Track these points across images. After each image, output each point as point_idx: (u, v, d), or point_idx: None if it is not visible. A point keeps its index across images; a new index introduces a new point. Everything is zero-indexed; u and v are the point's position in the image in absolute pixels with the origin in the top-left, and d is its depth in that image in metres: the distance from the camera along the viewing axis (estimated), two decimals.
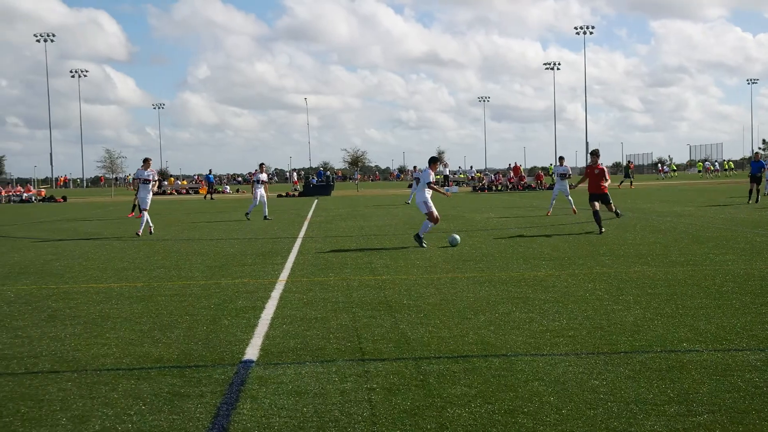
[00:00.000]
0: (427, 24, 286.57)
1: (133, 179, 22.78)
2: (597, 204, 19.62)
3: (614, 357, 6.98)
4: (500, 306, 9.49)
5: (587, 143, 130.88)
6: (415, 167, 55.47)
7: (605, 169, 20.33)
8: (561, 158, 28.96)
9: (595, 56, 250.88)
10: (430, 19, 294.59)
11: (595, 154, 20.63)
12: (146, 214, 21.96)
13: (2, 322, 9.18)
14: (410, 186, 45.04)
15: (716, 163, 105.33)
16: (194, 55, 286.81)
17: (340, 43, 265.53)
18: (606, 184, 19.91)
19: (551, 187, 63.48)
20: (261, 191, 28.88)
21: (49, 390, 6.32)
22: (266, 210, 28.69)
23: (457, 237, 17.17)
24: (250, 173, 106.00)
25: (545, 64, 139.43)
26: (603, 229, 18.92)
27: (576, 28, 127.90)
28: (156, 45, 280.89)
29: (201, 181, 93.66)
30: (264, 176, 29.42)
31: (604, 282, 11.15)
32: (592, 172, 20.25)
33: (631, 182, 62.93)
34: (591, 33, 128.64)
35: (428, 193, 17.68)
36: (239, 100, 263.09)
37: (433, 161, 17.87)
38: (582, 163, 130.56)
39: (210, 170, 69.53)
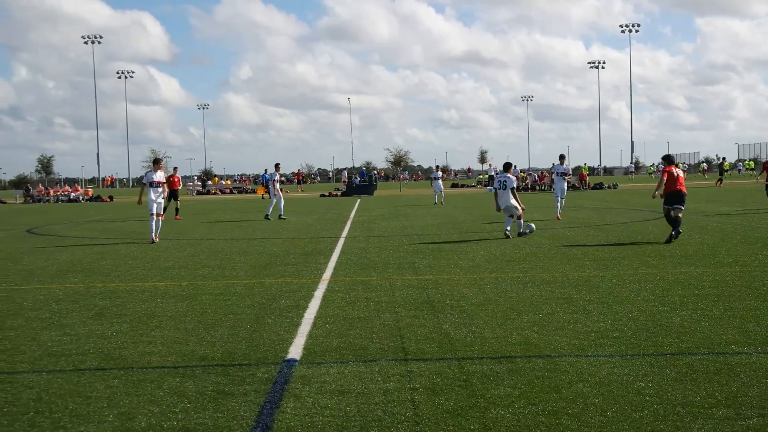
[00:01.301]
0: (468, 23, 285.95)
1: (144, 183, 20.59)
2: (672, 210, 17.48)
3: (660, 359, 6.89)
4: (544, 306, 9.42)
5: (632, 142, 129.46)
6: (437, 166, 55.08)
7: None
8: (562, 156, 26.45)
9: (639, 54, 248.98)
10: (471, 18, 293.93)
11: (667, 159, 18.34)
12: (160, 220, 20.30)
13: (51, 320, 9.34)
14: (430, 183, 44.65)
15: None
16: (236, 56, 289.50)
17: (381, 43, 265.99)
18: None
19: (595, 187, 63.00)
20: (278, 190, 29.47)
21: (97, 387, 6.41)
22: (280, 209, 29.25)
23: (533, 225, 19.50)
24: (293, 173, 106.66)
25: (589, 62, 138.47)
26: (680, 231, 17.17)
27: (621, 26, 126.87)
28: (198, 46, 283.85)
29: (245, 181, 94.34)
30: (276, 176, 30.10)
31: (650, 283, 11.01)
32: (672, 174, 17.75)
33: (721, 180, 60.09)
34: (636, 31, 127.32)
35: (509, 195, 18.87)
36: (281, 101, 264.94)
37: (510, 166, 20.06)
38: (627, 162, 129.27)
39: (266, 170, 68.99)
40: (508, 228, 18.72)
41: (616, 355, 7.05)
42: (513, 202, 18.83)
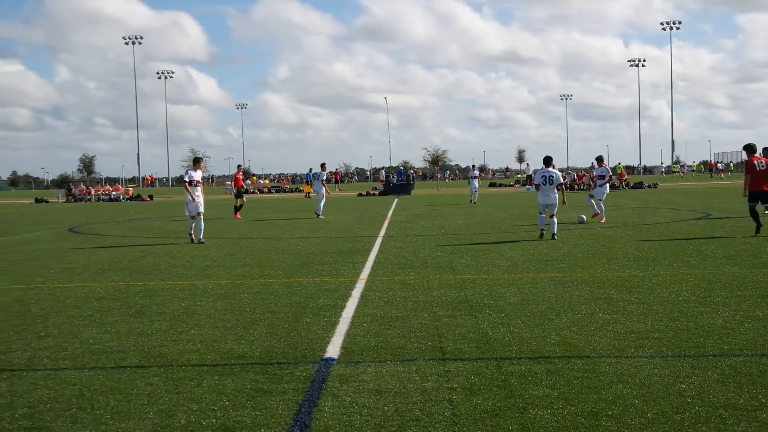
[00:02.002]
0: (505, 22, 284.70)
1: (186, 182, 19.67)
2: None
3: (702, 360, 6.80)
4: (583, 307, 9.34)
5: (672, 141, 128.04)
6: (473, 166, 54.96)
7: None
8: (599, 158, 24.76)
9: (679, 52, 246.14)
10: (508, 16, 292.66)
11: (748, 149, 17.95)
12: (201, 220, 19.63)
13: (92, 318, 9.46)
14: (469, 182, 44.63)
15: None
16: (273, 56, 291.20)
17: (418, 42, 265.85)
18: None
19: (635, 186, 62.37)
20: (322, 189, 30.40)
21: (137, 384, 6.48)
22: (318, 207, 30.03)
23: (584, 217, 21.45)
24: (330, 172, 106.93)
25: (629, 60, 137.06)
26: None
27: (662, 23, 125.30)
28: (236, 46, 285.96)
29: (283, 180, 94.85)
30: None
31: (691, 283, 10.87)
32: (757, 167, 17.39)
33: None
34: (678, 29, 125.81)
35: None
36: (318, 100, 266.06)
37: (551, 160, 18.73)
38: (668, 161, 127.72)
39: (310, 169, 68.89)
40: (543, 227, 18.17)
41: (657, 356, 6.97)
42: (556, 199, 18.00)
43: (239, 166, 35.81)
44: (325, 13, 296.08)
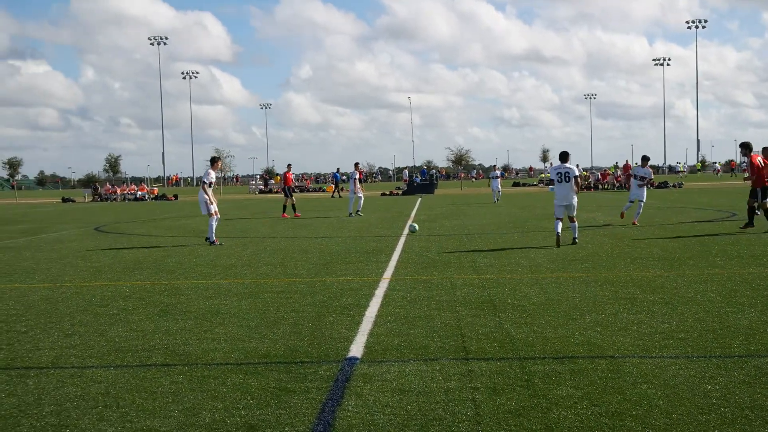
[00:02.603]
0: (528, 21, 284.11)
1: (207, 183, 19.22)
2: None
3: (727, 361, 6.75)
4: (607, 307, 9.30)
5: (698, 141, 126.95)
6: (494, 166, 55.04)
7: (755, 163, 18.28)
8: (644, 158, 23.14)
9: (705, 50, 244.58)
10: (531, 15, 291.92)
11: (745, 146, 18.59)
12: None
13: (118, 316, 9.54)
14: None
15: None
16: (296, 55, 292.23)
17: (441, 41, 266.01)
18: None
19: (660, 186, 61.92)
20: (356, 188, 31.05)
21: (162, 383, 6.53)
22: (350, 206, 30.73)
23: (416, 225, 20.19)
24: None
25: (654, 59, 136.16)
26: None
27: (687, 22, 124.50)
28: (259, 46, 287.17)
29: (307, 180, 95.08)
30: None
31: (716, 283, 10.79)
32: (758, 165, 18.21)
33: None
34: (704, 27, 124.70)
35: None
36: (341, 100, 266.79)
37: (567, 156, 16.57)
38: (693, 161, 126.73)
39: (338, 168, 68.66)
40: (560, 231, 16.15)
41: (682, 356, 6.93)
42: (574, 199, 16.29)
43: (289, 165, 34.87)
44: (347, 13, 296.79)
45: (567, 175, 16.20)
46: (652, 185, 25.71)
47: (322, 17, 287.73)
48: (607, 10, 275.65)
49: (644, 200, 22.12)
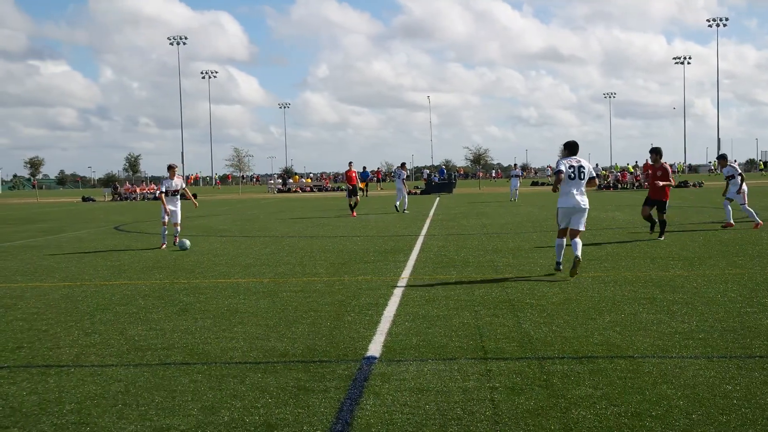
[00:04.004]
0: (545, 20, 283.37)
1: (162, 191, 18.87)
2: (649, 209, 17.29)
3: (748, 361, 6.70)
4: (626, 306, 9.25)
5: (718, 140, 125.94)
6: (515, 165, 55.00)
7: (668, 169, 17.32)
8: (723, 156, 21.69)
9: (724, 49, 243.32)
10: (548, 14, 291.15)
11: (655, 152, 17.35)
12: (176, 228, 18.96)
13: (138, 315, 9.59)
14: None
15: None
16: (313, 55, 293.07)
17: (457, 40, 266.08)
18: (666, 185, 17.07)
19: (680, 185, 61.57)
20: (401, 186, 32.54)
21: (181, 381, 6.56)
22: (403, 204, 32.22)
23: (187, 242, 17.55)
24: (372, 171, 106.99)
25: (675, 58, 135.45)
26: (662, 236, 17.00)
27: (708, 20, 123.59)
28: (276, 45, 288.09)
29: (325, 179, 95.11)
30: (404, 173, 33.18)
31: (737, 283, 10.71)
32: (654, 173, 17.30)
33: None
34: (725, 25, 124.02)
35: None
36: (359, 99, 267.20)
37: (576, 147, 12.17)
38: (713, 159, 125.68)
39: (364, 167, 67.95)
40: (560, 258, 12.14)
41: (702, 356, 6.89)
42: (586, 201, 11.87)
43: (350, 163, 33.26)
44: (363, 12, 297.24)
45: (581, 170, 11.77)
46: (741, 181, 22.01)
47: (337, 17, 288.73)
48: (624, 9, 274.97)
49: (745, 201, 20.12)
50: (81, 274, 13.73)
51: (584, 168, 11.81)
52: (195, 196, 21.46)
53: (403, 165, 34.09)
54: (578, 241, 11.79)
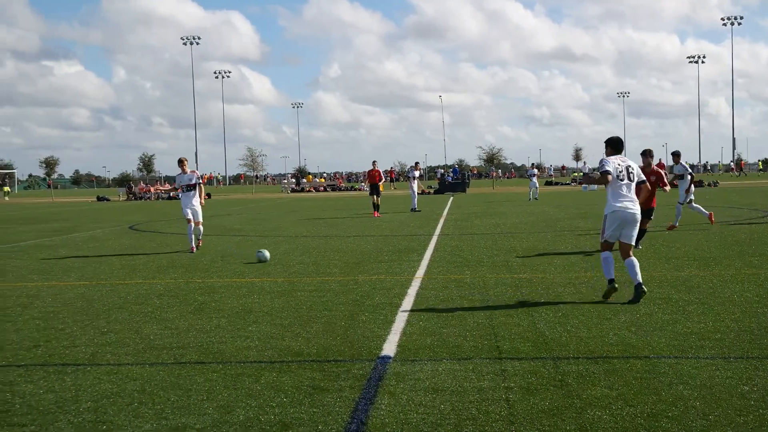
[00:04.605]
0: (557, 19, 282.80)
1: (175, 187, 17.96)
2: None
3: (765, 362, 6.66)
4: (642, 306, 9.22)
5: (734, 139, 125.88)
6: (533, 164, 55.17)
7: (663, 173, 15.99)
8: (676, 153, 20.62)
9: (737, 48, 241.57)
10: (560, 14, 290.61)
11: (645, 154, 16.08)
12: (199, 228, 17.71)
13: (153, 314, 9.62)
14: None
15: None
16: (325, 55, 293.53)
17: (469, 40, 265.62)
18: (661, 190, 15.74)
19: (695, 184, 61.25)
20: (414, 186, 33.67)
21: (196, 380, 6.58)
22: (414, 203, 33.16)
23: (266, 253, 14.87)
24: (386, 171, 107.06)
25: (689, 57, 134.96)
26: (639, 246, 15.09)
27: (723, 19, 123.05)
28: (288, 45, 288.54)
29: (339, 179, 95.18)
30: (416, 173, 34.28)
31: (753, 284, 10.65)
32: (648, 179, 14.71)
33: None
34: (739, 24, 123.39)
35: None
36: (371, 99, 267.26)
37: (621, 145, 10.27)
38: (728, 159, 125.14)
39: (392, 167, 68.45)
40: (613, 275, 9.84)
41: (719, 357, 6.86)
42: (638, 208, 9.94)
43: (374, 162, 32.11)
44: (374, 12, 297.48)
45: (630, 171, 9.98)
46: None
47: (349, 17, 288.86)
48: (636, 8, 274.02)
49: (683, 201, 20.14)
50: (96, 274, 13.79)
51: (632, 168, 10.04)
52: (209, 195, 21.20)
53: (416, 165, 35.45)
54: (635, 261, 9.77)
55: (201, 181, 18.15)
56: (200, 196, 17.88)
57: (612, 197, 9.88)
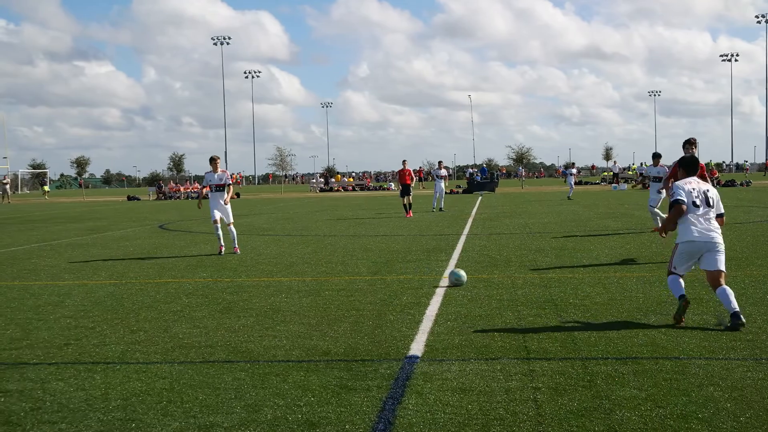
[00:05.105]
0: (587, 17, 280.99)
1: (202, 187, 17.33)
2: None
3: None
4: (671, 307, 9.12)
5: (767, 138, 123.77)
6: (572, 163, 55.13)
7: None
8: (657, 155, 19.01)
9: None
10: (590, 12, 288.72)
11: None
12: (230, 228, 16.78)
13: (182, 313, 9.69)
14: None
15: None
16: (354, 54, 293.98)
17: (498, 39, 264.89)
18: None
19: (726, 184, 60.60)
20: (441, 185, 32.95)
21: (225, 379, 6.61)
22: (441, 203, 32.94)
23: (462, 275, 11.36)
24: (415, 170, 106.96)
25: (722, 55, 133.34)
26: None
27: (757, 16, 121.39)
28: (317, 45, 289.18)
29: (367, 179, 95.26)
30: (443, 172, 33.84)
31: None
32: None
33: None
34: None
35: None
36: (400, 98, 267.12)
37: (697, 164, 9.04)
38: (761, 159, 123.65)
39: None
40: (683, 291, 8.43)
41: (750, 358, 6.78)
42: (718, 233, 8.55)
43: (404, 161, 30.62)
44: (403, 11, 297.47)
45: (707, 194, 8.61)
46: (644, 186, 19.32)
47: (377, 16, 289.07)
48: (667, 6, 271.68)
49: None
50: (126, 272, 13.91)
51: (711, 193, 8.63)
52: (238, 195, 21.10)
53: (440, 164, 35.89)
54: (727, 289, 8.20)
55: (231, 181, 17.42)
56: (227, 194, 16.97)
57: (682, 226, 8.48)
